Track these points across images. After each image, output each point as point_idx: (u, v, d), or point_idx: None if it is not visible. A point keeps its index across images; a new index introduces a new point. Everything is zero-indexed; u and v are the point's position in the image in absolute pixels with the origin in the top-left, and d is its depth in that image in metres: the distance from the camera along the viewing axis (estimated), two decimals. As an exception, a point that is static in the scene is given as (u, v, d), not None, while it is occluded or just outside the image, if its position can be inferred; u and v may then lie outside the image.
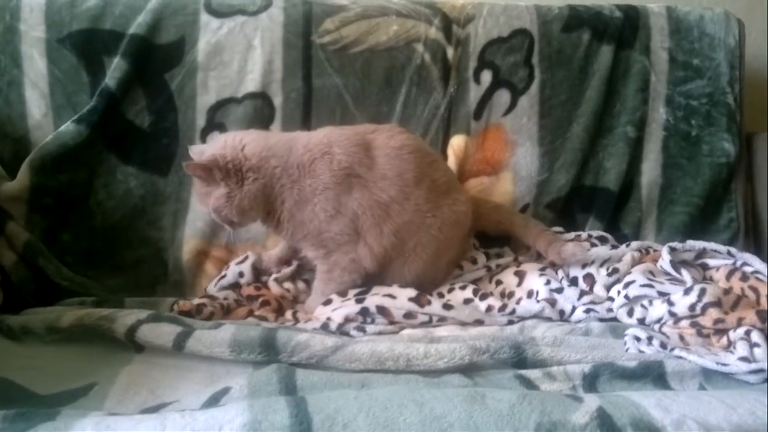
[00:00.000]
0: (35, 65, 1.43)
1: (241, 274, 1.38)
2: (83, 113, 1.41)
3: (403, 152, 1.26)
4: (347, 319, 1.18)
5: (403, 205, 1.24)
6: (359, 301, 1.22)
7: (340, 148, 1.24)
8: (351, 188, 1.23)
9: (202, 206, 1.30)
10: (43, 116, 1.43)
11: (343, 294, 1.26)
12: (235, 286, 1.38)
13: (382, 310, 1.19)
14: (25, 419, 0.80)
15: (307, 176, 1.23)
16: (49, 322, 1.11)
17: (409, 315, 1.20)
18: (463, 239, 1.37)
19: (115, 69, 1.42)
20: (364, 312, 1.19)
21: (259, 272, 1.40)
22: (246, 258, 1.41)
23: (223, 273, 1.40)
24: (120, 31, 1.43)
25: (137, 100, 1.45)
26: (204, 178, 1.23)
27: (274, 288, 1.36)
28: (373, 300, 1.21)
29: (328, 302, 1.25)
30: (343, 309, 1.20)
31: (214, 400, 0.90)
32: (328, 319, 1.18)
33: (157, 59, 1.45)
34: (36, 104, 1.43)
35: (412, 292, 1.23)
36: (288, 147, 1.25)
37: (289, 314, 1.28)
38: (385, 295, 1.23)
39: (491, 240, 1.49)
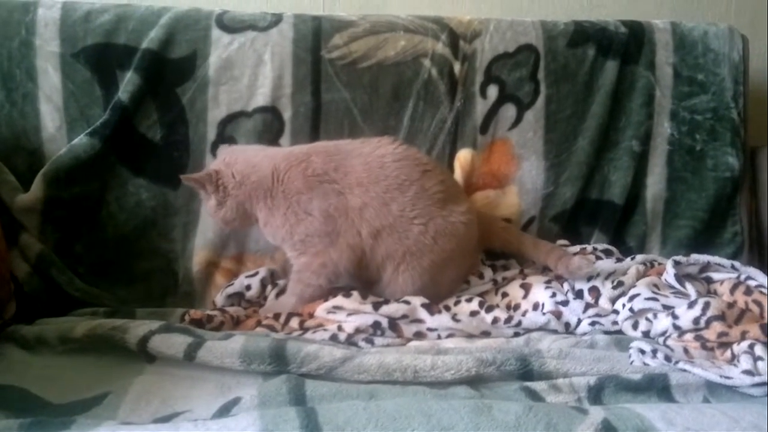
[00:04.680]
0: (50, 79, 1.45)
1: (248, 287, 1.40)
2: (96, 126, 1.43)
3: (385, 160, 1.29)
4: (358, 330, 1.19)
5: (380, 210, 1.27)
6: (376, 307, 1.23)
7: (318, 156, 1.30)
8: (325, 194, 1.27)
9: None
10: (57, 129, 1.45)
11: (364, 296, 1.27)
12: (240, 296, 1.40)
13: (394, 326, 1.21)
14: (40, 428, 0.82)
15: (281, 183, 1.29)
16: (62, 332, 1.12)
17: (419, 334, 1.22)
18: (468, 253, 1.38)
19: (127, 83, 1.44)
20: (376, 325, 1.20)
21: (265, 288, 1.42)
22: (257, 273, 1.43)
23: (231, 282, 1.43)
24: (133, 45, 1.45)
25: (149, 113, 1.47)
26: (199, 189, 1.35)
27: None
28: (388, 308, 1.23)
29: (340, 309, 1.25)
30: (356, 318, 1.21)
31: (225, 410, 0.92)
32: (339, 329, 1.20)
33: (169, 73, 1.47)
34: (50, 117, 1.45)
35: (424, 299, 1.26)
36: (271, 159, 1.32)
37: (295, 323, 1.27)
38: (401, 302, 1.25)
39: (497, 252, 1.50)
